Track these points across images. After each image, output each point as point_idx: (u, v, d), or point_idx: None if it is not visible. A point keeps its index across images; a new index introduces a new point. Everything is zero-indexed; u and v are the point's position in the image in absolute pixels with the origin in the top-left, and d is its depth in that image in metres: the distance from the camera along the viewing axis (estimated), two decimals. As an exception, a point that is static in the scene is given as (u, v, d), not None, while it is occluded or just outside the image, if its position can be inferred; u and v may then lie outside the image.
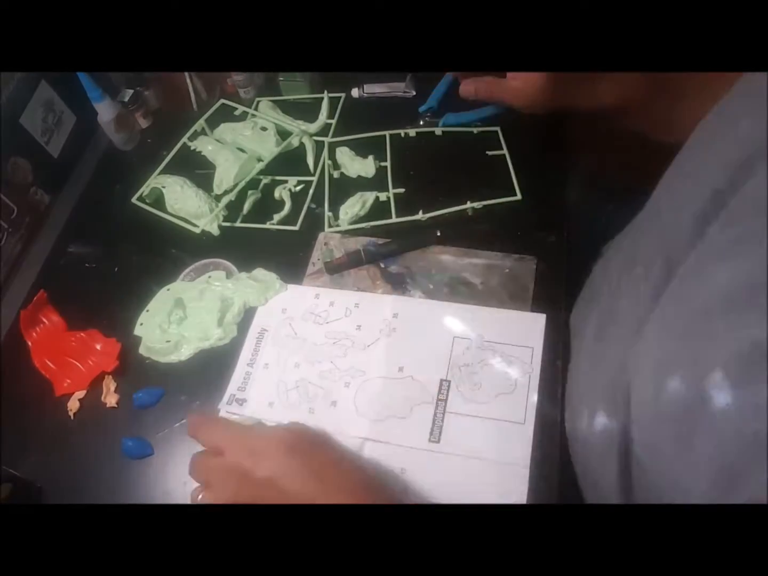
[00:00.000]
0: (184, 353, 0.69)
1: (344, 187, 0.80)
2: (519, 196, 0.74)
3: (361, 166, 0.82)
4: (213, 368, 0.67)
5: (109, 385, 0.67)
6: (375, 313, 0.67)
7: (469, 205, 0.74)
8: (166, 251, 0.79)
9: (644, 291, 0.44)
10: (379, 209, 0.77)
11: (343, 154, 0.83)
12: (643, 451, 0.40)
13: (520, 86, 0.56)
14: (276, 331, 0.68)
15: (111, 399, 0.66)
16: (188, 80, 0.87)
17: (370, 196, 0.78)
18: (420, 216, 0.74)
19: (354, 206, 0.77)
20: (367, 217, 0.77)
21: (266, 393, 0.63)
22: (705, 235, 0.39)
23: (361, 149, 0.84)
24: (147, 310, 0.72)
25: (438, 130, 0.84)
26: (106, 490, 0.61)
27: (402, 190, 0.78)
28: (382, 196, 0.78)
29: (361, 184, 0.81)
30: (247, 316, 0.70)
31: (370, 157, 0.82)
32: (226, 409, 0.63)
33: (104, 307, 0.74)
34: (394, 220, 0.75)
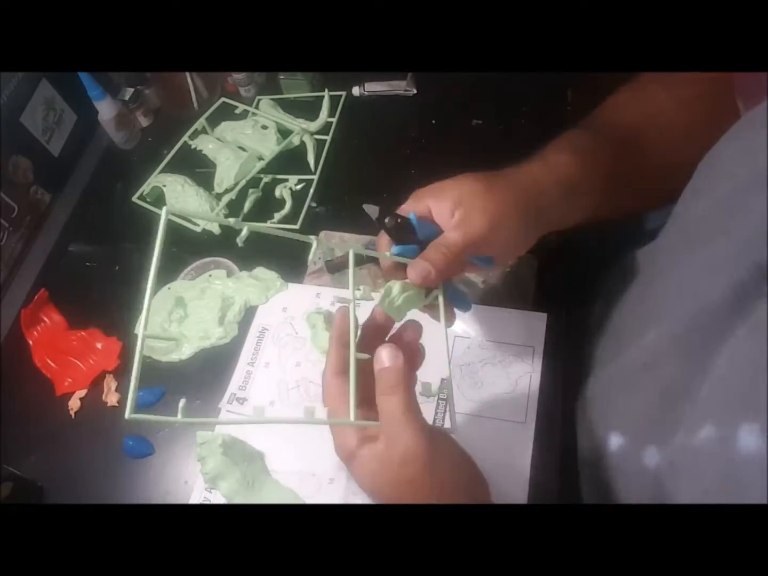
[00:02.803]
0: (185, 352, 0.69)
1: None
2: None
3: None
4: (214, 367, 0.67)
5: (110, 384, 0.67)
6: None
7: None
8: (166, 250, 0.79)
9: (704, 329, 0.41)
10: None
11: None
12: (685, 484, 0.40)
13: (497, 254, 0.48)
14: (277, 330, 0.68)
15: (112, 398, 0.66)
16: (189, 79, 0.87)
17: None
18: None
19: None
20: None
21: (267, 392, 0.63)
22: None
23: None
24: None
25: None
26: (106, 488, 0.61)
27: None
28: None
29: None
30: (248, 315, 0.70)
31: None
32: (226, 408, 0.63)
33: (105, 306, 0.74)
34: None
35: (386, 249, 0.47)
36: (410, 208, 0.47)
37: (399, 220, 0.46)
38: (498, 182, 0.47)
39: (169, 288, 0.73)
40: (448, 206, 0.46)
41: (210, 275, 0.74)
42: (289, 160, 0.86)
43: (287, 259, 0.76)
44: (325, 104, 0.89)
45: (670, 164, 0.52)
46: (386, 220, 0.45)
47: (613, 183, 0.51)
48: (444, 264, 0.45)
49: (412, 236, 0.46)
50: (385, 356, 0.40)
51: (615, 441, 0.49)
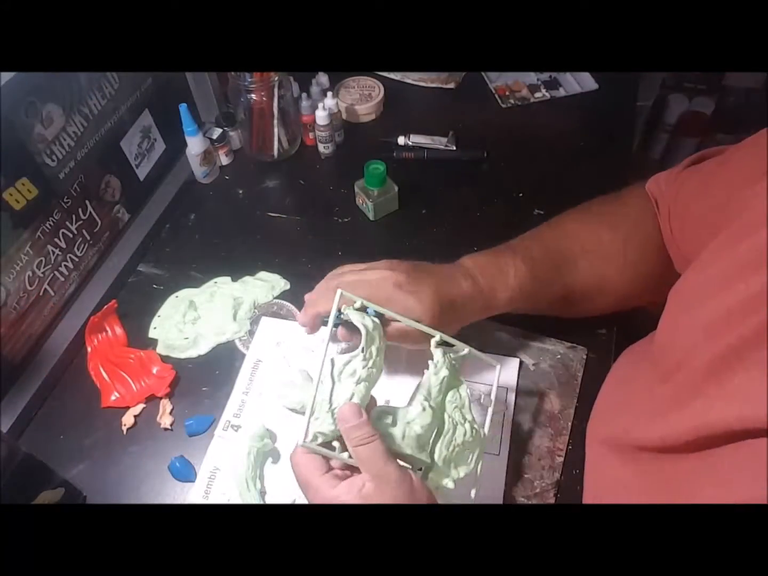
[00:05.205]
0: (203, 348, 0.70)
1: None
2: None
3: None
4: (229, 363, 0.69)
5: (166, 406, 0.65)
6: None
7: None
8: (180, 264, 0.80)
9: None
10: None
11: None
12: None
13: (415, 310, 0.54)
14: (270, 363, 0.68)
15: (166, 420, 0.64)
16: (275, 129, 0.88)
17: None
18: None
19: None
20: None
21: (260, 420, 0.63)
22: None
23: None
24: (159, 316, 0.73)
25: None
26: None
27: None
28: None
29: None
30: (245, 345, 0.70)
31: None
32: (219, 435, 0.62)
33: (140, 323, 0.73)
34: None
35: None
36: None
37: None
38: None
39: (177, 296, 0.75)
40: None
41: (215, 282, 0.76)
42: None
43: (286, 260, 0.78)
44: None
45: (605, 283, 0.61)
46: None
47: (535, 298, 0.60)
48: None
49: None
50: (350, 414, 0.45)
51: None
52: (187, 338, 0.70)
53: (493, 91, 1.02)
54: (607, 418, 0.56)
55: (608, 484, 0.52)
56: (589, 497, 0.55)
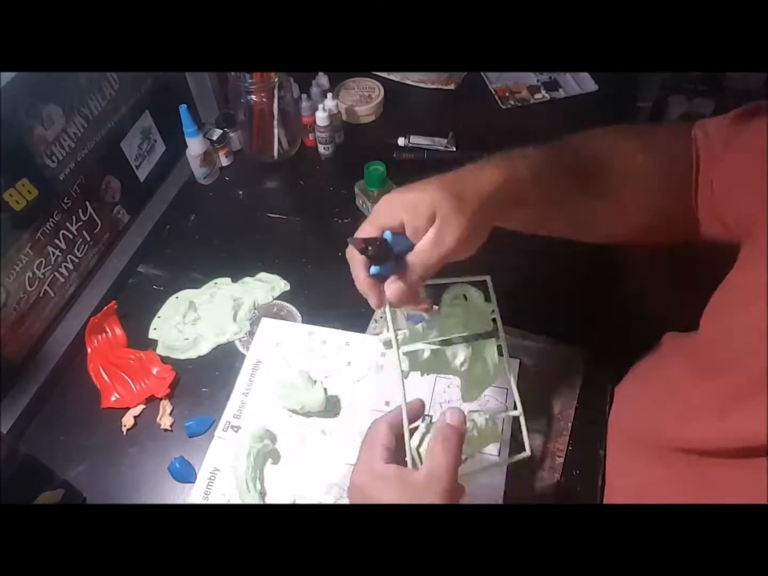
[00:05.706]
0: (203, 349, 0.70)
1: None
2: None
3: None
4: (229, 364, 0.69)
5: (166, 407, 0.65)
6: (364, 351, 0.68)
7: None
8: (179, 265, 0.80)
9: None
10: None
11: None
12: None
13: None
14: (270, 364, 0.68)
15: (166, 421, 0.64)
16: (275, 130, 0.88)
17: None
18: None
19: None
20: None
21: (261, 421, 0.63)
22: None
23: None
24: (159, 317, 0.73)
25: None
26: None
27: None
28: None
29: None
30: (245, 346, 0.70)
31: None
32: (219, 435, 0.62)
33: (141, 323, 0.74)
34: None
35: (360, 267, 0.46)
36: (385, 221, 0.46)
37: (378, 243, 0.45)
38: (466, 194, 0.47)
39: (177, 297, 0.75)
40: (423, 224, 0.45)
41: (216, 283, 0.76)
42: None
43: (286, 261, 0.78)
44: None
45: (625, 205, 0.56)
46: (368, 248, 0.44)
47: (565, 207, 0.54)
48: (419, 283, 0.46)
49: (388, 254, 0.45)
50: (455, 417, 0.45)
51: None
52: (187, 339, 0.70)
53: (493, 92, 1.02)
54: (634, 414, 0.55)
55: (636, 483, 0.51)
56: (614, 496, 0.54)
